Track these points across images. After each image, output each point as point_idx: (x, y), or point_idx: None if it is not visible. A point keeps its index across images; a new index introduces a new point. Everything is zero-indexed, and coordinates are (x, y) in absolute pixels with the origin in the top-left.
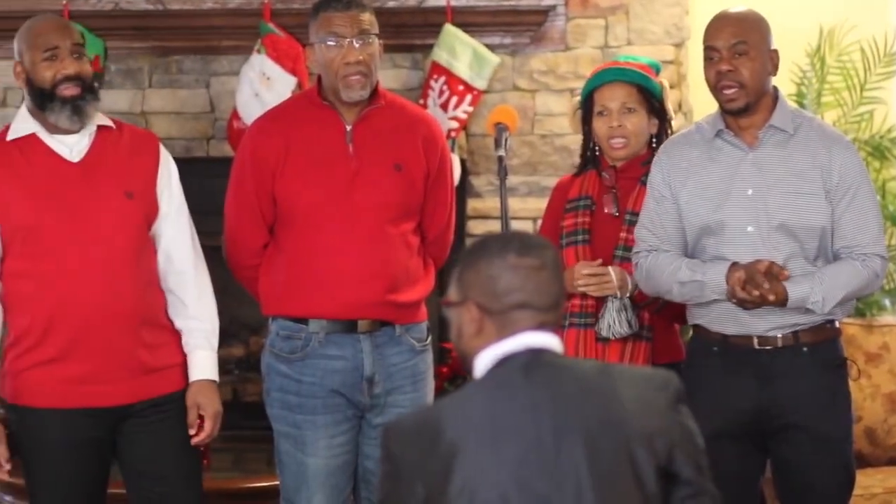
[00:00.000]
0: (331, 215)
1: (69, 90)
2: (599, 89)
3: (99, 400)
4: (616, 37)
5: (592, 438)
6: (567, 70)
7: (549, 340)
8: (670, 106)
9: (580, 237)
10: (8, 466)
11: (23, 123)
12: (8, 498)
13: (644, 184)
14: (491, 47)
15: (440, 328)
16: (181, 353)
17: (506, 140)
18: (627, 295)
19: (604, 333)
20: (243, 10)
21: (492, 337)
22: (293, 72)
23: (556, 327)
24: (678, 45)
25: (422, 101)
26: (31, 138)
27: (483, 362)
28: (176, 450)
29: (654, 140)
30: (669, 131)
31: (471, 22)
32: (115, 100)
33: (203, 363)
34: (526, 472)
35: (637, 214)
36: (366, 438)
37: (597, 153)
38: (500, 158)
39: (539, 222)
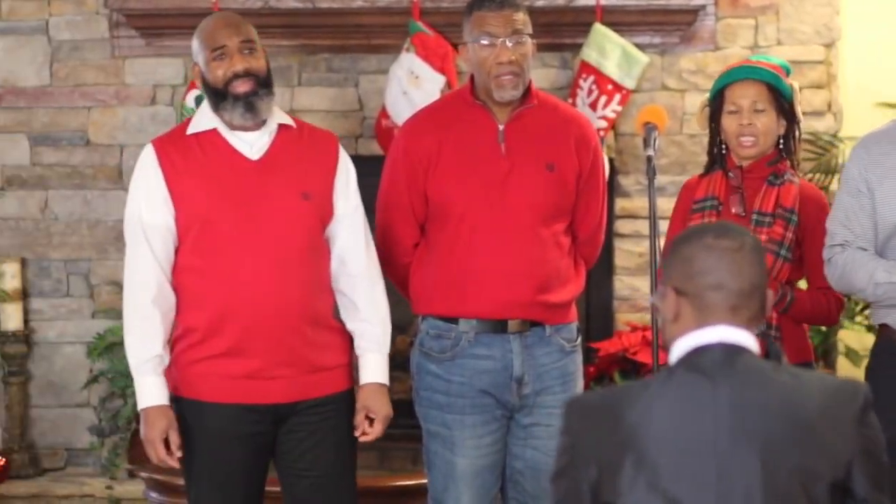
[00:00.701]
0: (482, 215)
1: (241, 86)
2: (731, 87)
3: (262, 397)
4: (766, 37)
5: (770, 449)
6: (716, 70)
7: (744, 338)
8: (800, 109)
9: None
10: (179, 454)
11: (204, 118)
12: (153, 494)
13: (770, 184)
14: (640, 46)
15: (588, 328)
16: (347, 355)
17: (655, 140)
18: None
19: None
20: (392, 8)
21: (689, 323)
22: (442, 70)
23: (755, 321)
24: (828, 46)
25: (570, 101)
26: (212, 134)
27: (677, 351)
28: (333, 451)
29: (780, 141)
30: (798, 133)
31: (620, 21)
32: None
33: (374, 366)
34: (697, 473)
35: (764, 214)
36: (514, 439)
37: (723, 152)
38: (649, 158)
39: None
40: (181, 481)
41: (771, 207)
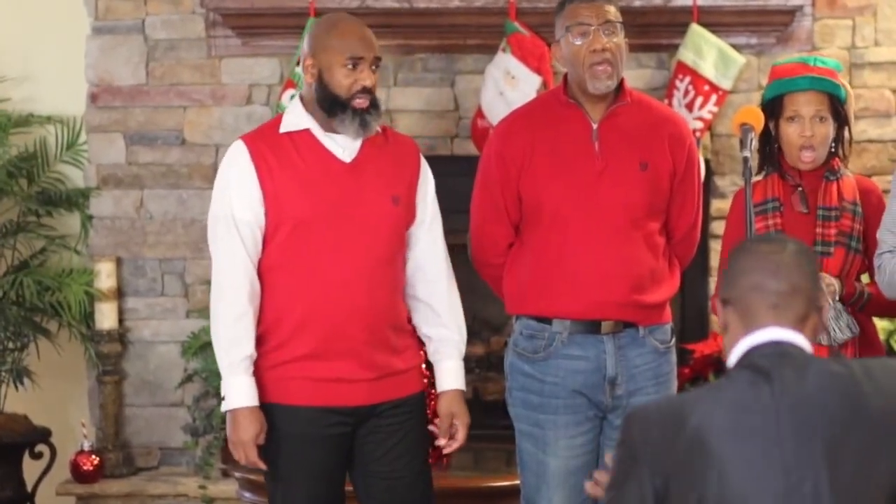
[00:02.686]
0: (576, 214)
1: (362, 102)
2: (794, 94)
3: (346, 399)
4: (863, 37)
5: (835, 443)
6: None
7: (794, 337)
8: (852, 111)
9: None
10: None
11: (296, 118)
12: (247, 494)
13: (828, 179)
14: (737, 47)
15: (683, 329)
16: (419, 357)
17: (751, 141)
18: (837, 298)
19: (824, 342)
20: (489, 8)
21: (738, 331)
22: (538, 71)
23: (805, 325)
24: None
25: (667, 101)
26: (305, 133)
27: (732, 358)
28: (412, 453)
29: (832, 144)
30: (848, 135)
31: (717, 22)
32: None
33: (454, 373)
34: (765, 473)
35: (829, 209)
36: (607, 439)
37: (776, 151)
38: (745, 159)
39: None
40: None
41: (835, 201)
